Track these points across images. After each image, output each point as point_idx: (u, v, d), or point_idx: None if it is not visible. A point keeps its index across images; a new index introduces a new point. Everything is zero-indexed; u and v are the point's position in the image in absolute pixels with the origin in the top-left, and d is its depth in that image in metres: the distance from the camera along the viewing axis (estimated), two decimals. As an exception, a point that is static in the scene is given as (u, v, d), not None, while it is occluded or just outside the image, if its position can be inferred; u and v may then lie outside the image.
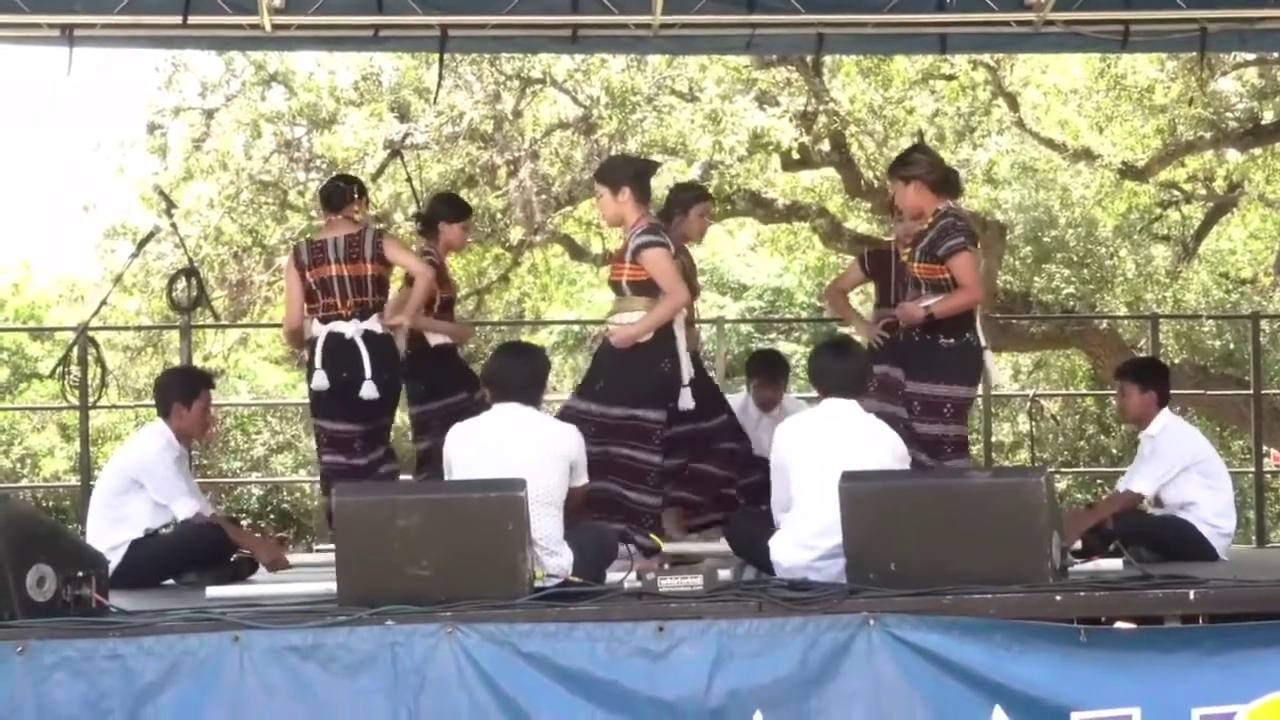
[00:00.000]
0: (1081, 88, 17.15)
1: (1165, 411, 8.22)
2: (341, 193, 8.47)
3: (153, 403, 8.31)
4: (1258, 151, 17.31)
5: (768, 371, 9.53)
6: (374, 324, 8.19)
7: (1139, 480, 8.07)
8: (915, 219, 7.92)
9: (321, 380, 8.12)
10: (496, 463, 6.40)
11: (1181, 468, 8.00)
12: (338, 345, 8.15)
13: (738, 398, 9.47)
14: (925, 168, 7.91)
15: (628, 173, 7.84)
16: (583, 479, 6.85)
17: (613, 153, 15.78)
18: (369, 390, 8.08)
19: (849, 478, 6.15)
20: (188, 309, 10.20)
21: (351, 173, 12.48)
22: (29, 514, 6.09)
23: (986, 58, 15.87)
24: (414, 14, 9.04)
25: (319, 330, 8.20)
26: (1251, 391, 11.93)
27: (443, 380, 8.89)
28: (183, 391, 8.12)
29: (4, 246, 31.05)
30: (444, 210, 9.17)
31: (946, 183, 7.95)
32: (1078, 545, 7.79)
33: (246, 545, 8.17)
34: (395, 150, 11.87)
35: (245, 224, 16.74)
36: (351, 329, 8.15)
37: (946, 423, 7.67)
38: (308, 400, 8.44)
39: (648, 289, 7.63)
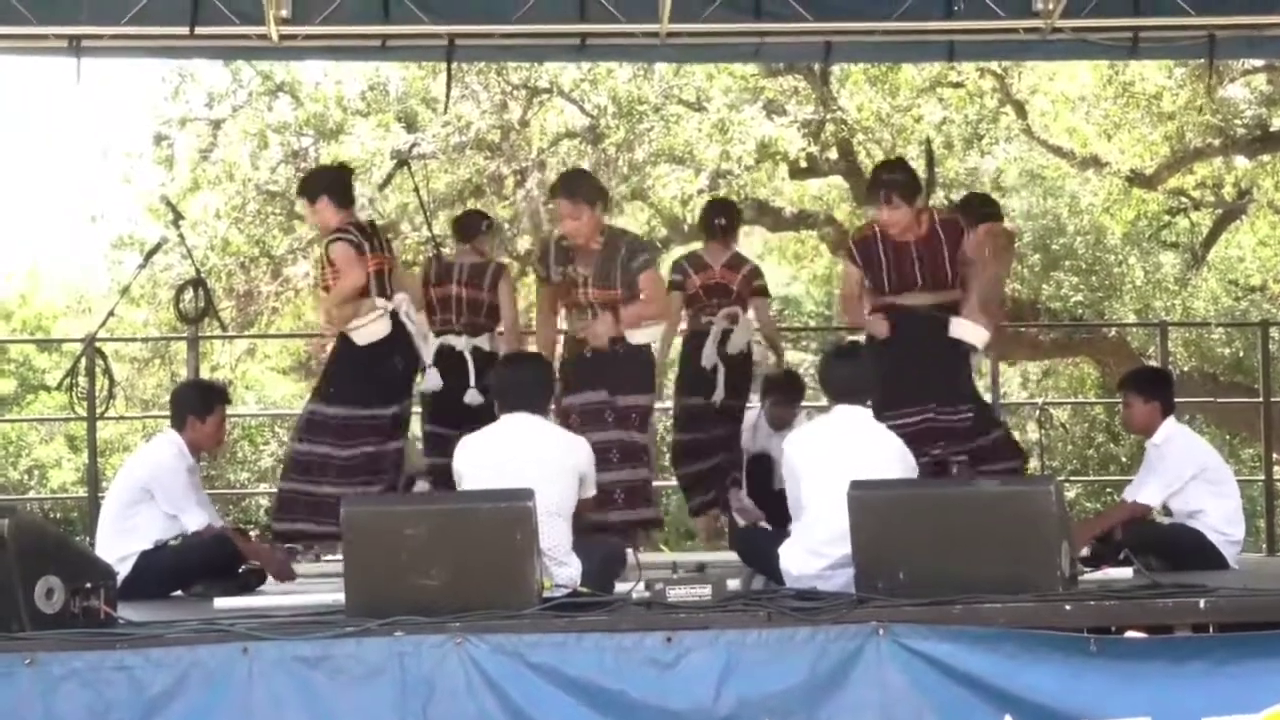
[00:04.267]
0: (1089, 95, 17.15)
1: (1170, 420, 8.18)
2: (471, 224, 9.42)
3: (160, 414, 8.34)
4: (1266, 158, 17.29)
5: (784, 391, 9.55)
6: (483, 341, 9.07)
7: (1146, 491, 8.04)
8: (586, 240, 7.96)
9: (435, 380, 8.78)
10: (505, 473, 6.39)
11: (1189, 477, 7.98)
12: (448, 355, 8.92)
13: (750, 413, 9.50)
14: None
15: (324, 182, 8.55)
16: (592, 490, 6.84)
17: (620, 162, 15.80)
18: (472, 396, 8.79)
19: (858, 486, 6.14)
20: (195, 320, 10.18)
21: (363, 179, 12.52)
22: (37, 525, 6.08)
23: (994, 65, 15.89)
24: (421, 23, 9.05)
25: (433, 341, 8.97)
26: (1261, 399, 11.89)
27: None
28: (198, 405, 8.12)
29: (11, 257, 31.09)
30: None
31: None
32: (1085, 552, 7.78)
33: (254, 557, 8.16)
34: (402, 160, 11.89)
35: (252, 234, 16.77)
36: (462, 343, 8.97)
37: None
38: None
39: None
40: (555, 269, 8.04)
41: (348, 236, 8.33)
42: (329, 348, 8.52)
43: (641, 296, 7.94)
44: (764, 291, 9.37)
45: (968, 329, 7.91)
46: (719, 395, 9.03)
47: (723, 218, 9.44)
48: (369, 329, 8.29)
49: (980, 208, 8.89)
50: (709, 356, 9.03)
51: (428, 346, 8.66)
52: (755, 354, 9.35)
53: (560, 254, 8.02)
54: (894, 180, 7.87)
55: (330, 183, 8.63)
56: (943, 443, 7.72)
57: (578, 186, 7.98)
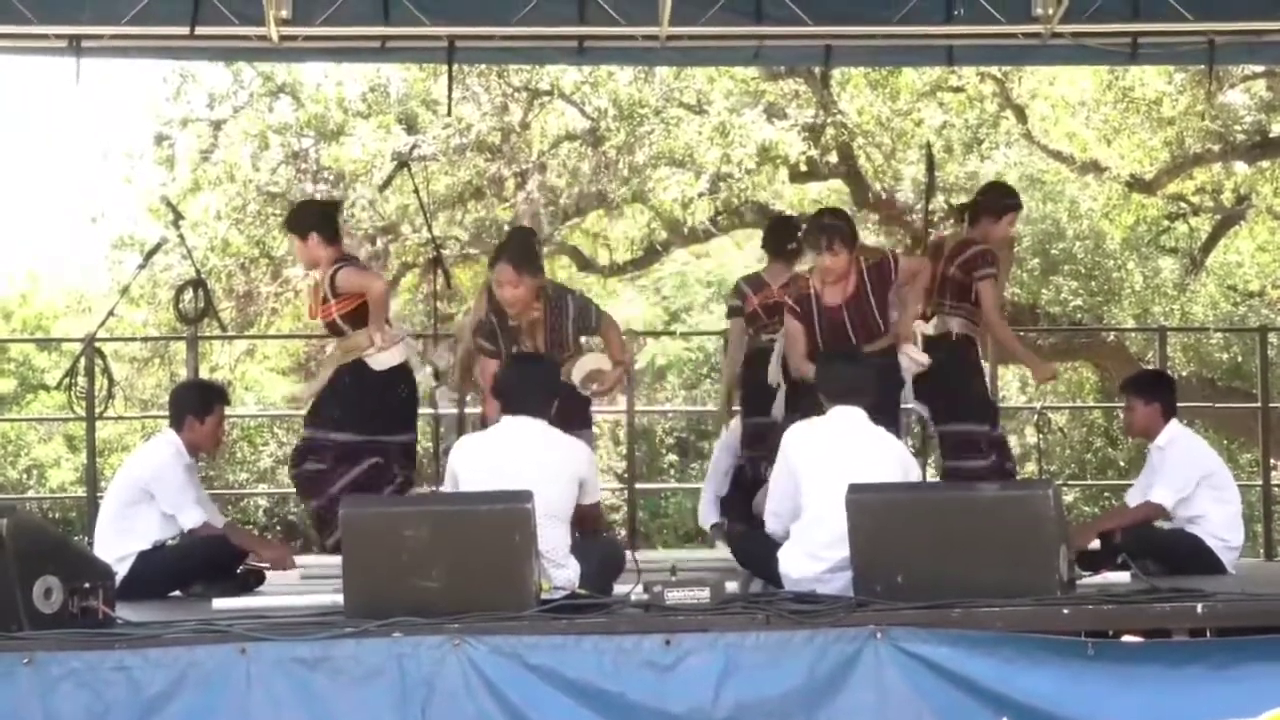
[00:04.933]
0: (1089, 100, 17.13)
1: (1174, 423, 8.17)
2: None
3: (159, 414, 8.34)
4: (1266, 164, 17.28)
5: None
6: None
7: (1159, 491, 7.98)
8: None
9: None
10: (503, 475, 6.39)
11: (1196, 481, 7.96)
12: None
13: (733, 422, 9.46)
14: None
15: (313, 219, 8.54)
16: (593, 496, 6.84)
17: (620, 164, 15.80)
18: None
19: (856, 490, 6.15)
20: (195, 320, 10.18)
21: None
22: (36, 525, 6.09)
23: (994, 70, 15.88)
24: (421, 25, 9.04)
25: None
26: (1259, 404, 11.89)
27: None
28: (197, 405, 8.13)
29: (11, 257, 31.08)
30: None
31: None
32: (1095, 545, 7.77)
33: (251, 547, 8.18)
34: (403, 162, 11.88)
35: (252, 235, 16.76)
36: None
37: None
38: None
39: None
40: (506, 346, 8.03)
41: (351, 263, 8.52)
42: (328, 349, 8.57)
43: (611, 347, 8.21)
44: None
45: (906, 359, 8.01)
46: (779, 410, 8.97)
47: (794, 242, 9.29)
48: (387, 354, 8.30)
49: (1003, 198, 8.90)
50: (774, 373, 8.97)
51: (423, 365, 8.69)
52: None
53: (506, 333, 8.05)
54: (836, 227, 7.93)
55: (319, 219, 8.66)
56: None
57: (524, 258, 7.96)
